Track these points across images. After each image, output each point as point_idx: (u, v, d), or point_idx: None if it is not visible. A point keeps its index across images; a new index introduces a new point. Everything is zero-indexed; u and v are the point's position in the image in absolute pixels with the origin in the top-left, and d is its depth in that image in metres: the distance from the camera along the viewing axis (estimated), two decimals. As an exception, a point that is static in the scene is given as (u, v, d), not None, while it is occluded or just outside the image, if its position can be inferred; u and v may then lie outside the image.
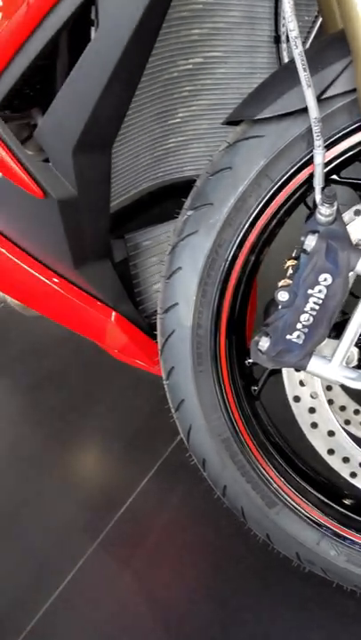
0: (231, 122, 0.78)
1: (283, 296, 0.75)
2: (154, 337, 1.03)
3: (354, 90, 0.71)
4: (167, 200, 1.05)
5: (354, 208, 0.79)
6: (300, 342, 0.76)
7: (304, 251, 0.73)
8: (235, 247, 0.79)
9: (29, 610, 0.98)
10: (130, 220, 1.00)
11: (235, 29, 0.89)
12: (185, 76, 0.90)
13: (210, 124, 0.98)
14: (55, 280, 0.98)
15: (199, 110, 0.96)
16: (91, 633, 0.96)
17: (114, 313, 0.98)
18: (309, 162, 0.74)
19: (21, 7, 0.69)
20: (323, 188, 0.72)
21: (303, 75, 0.66)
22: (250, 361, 0.86)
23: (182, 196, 0.85)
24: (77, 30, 0.73)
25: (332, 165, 0.76)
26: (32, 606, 0.99)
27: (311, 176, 0.74)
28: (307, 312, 0.75)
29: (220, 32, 0.88)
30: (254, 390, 0.89)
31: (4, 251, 0.96)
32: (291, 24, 0.63)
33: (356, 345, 0.80)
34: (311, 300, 0.74)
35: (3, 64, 0.71)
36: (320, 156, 0.71)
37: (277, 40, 0.94)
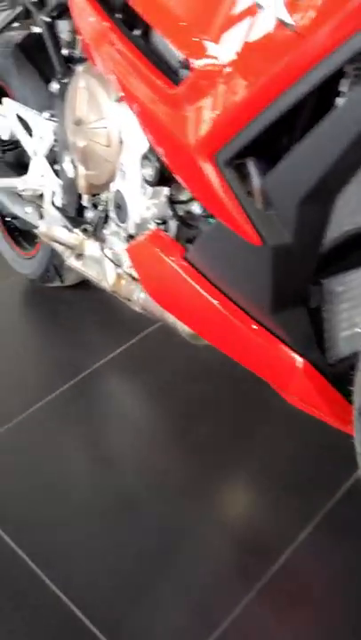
0: None
1: None
2: (338, 387, 0.98)
3: None
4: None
5: None
6: None
7: None
8: None
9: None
10: (327, 266, 0.96)
11: None
12: None
13: None
14: (246, 320, 0.96)
15: None
16: None
17: (302, 360, 0.95)
18: None
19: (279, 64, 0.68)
20: None
21: None
22: None
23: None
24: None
25: None
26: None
27: None
28: None
29: None
30: None
31: (198, 287, 0.96)
32: None
33: None
34: None
35: (251, 116, 0.70)
36: None
37: None
